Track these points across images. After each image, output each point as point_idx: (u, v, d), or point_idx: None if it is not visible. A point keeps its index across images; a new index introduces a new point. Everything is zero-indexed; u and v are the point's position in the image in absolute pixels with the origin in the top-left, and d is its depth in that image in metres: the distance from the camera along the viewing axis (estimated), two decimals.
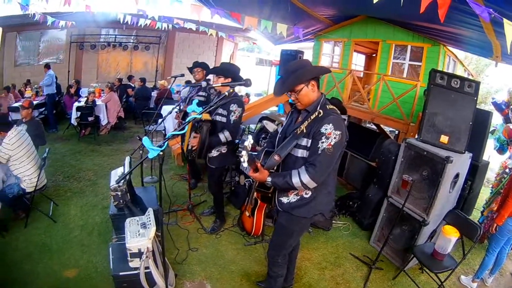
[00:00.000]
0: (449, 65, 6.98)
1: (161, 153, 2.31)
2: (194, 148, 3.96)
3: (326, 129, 2.42)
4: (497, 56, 5.23)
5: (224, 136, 4.04)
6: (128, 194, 2.78)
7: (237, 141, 4.86)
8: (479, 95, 4.01)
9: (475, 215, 5.73)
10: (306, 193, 2.69)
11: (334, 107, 2.60)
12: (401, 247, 4.47)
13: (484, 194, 6.32)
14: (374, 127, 8.88)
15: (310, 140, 2.51)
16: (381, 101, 6.52)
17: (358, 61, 10.11)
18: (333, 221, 5.40)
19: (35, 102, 9.12)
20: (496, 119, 5.80)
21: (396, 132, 8.20)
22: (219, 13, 6.22)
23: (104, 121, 9.51)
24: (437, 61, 6.12)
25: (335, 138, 2.42)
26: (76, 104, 9.16)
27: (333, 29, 8.13)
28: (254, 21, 6.32)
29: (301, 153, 2.57)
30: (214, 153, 4.29)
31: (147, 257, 2.79)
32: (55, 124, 9.70)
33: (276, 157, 2.58)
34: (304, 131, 2.53)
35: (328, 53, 8.86)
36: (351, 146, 6.84)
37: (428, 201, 4.05)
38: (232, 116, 4.04)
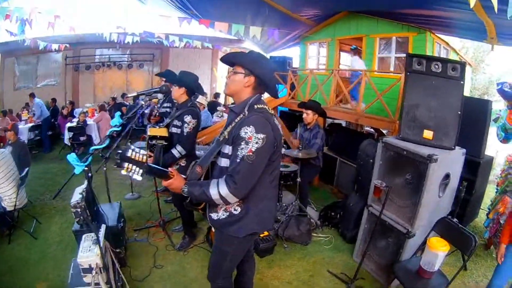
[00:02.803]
0: (440, 53, 6.25)
1: (86, 168, 2.24)
2: None
3: (245, 132, 1.99)
4: (492, 37, 4.58)
5: (177, 151, 3.75)
6: (87, 210, 2.73)
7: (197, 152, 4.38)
8: (480, 86, 3.24)
9: (482, 217, 4.95)
10: (235, 209, 2.20)
11: (265, 107, 2.16)
12: (386, 262, 3.66)
13: (492, 193, 5.45)
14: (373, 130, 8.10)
15: (231, 147, 2.08)
16: (366, 99, 5.76)
17: (348, 62, 9.27)
18: (314, 234, 4.66)
19: (31, 125, 9.31)
20: (497, 106, 5.03)
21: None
22: (188, 21, 5.71)
23: (96, 140, 9.30)
24: (425, 50, 5.44)
25: (257, 143, 1.97)
26: (68, 124, 9.15)
27: (316, 30, 7.65)
28: (225, 26, 5.82)
29: (224, 162, 2.14)
30: (174, 167, 3.81)
31: (96, 273, 2.65)
32: (49, 145, 9.64)
33: (198, 169, 2.23)
34: (227, 137, 2.13)
35: (314, 55, 8.26)
36: (339, 151, 6.37)
37: (413, 209, 3.28)
38: (186, 128, 3.73)
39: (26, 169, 4.85)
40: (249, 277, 2.90)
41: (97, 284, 2.68)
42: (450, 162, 3.27)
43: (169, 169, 2.11)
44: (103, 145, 2.50)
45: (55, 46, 10.05)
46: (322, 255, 4.26)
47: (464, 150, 3.41)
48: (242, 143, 1.96)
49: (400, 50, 5.99)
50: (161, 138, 3.61)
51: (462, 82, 3.15)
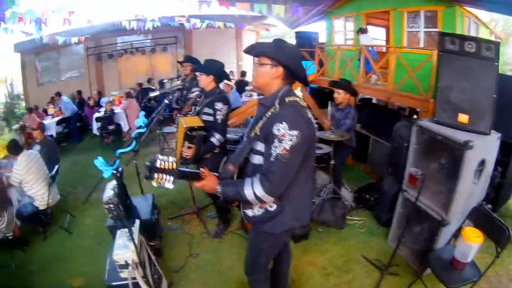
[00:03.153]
0: (470, 29, 5.87)
1: (115, 171, 2.16)
2: (188, 158, 3.69)
3: (278, 129, 1.85)
4: None
5: (216, 139, 3.77)
6: (119, 206, 2.68)
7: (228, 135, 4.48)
8: (511, 61, 3.04)
9: None
10: (270, 206, 2.12)
11: (297, 99, 2.02)
12: (420, 248, 3.61)
13: None
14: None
15: (264, 145, 1.98)
16: (397, 76, 5.51)
17: (378, 35, 8.97)
18: (348, 217, 4.63)
19: (58, 118, 9.55)
20: None
21: None
22: (207, 4, 5.60)
23: (125, 128, 9.42)
24: (454, 24, 5.15)
25: (291, 140, 1.84)
26: (96, 114, 9.24)
27: (340, 5, 7.33)
28: (246, 5, 5.68)
29: (257, 159, 2.05)
30: (207, 155, 3.90)
31: (132, 268, 2.70)
32: (79, 136, 9.89)
33: (230, 167, 2.15)
34: (258, 133, 2.01)
35: (340, 30, 7.97)
36: (371, 129, 6.18)
37: (448, 195, 3.17)
38: (219, 115, 3.73)
39: (56, 167, 4.90)
40: (285, 267, 2.94)
41: (133, 278, 2.74)
42: (485, 147, 3.11)
43: (201, 169, 2.04)
44: (130, 148, 2.49)
45: (74, 39, 10.21)
46: (356, 239, 4.25)
47: (499, 135, 3.22)
48: (275, 140, 1.86)
49: (429, 25, 5.68)
50: (199, 128, 3.58)
51: (496, 64, 2.95)
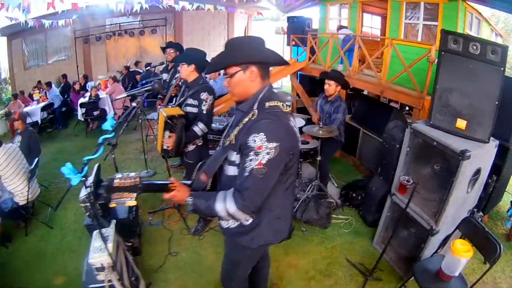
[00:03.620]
0: (472, 24, 5.61)
1: (83, 178, 2.05)
2: (170, 148, 3.59)
3: (254, 140, 1.66)
4: None
5: (200, 128, 3.63)
6: (97, 205, 2.50)
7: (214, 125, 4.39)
8: (509, 61, 2.85)
9: (506, 201, 4.61)
10: (246, 219, 1.94)
11: (279, 104, 1.80)
12: (407, 254, 3.46)
13: None
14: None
15: (239, 155, 1.78)
16: (391, 69, 5.27)
17: (373, 24, 8.67)
18: (334, 216, 4.47)
19: (43, 104, 9.25)
20: None
21: None
22: None
23: (110, 113, 9.13)
24: (456, 19, 4.86)
25: (268, 153, 1.65)
26: (81, 100, 9.01)
27: None
28: None
29: (232, 171, 1.84)
30: (190, 147, 3.84)
31: (108, 271, 2.60)
32: (64, 122, 9.68)
33: (203, 177, 1.93)
34: (233, 141, 1.82)
35: (335, 17, 7.68)
36: (362, 122, 5.95)
37: (439, 204, 3.01)
38: (204, 105, 3.60)
39: (36, 160, 4.71)
40: (264, 274, 2.79)
41: (110, 281, 2.64)
42: (482, 156, 2.92)
43: (170, 179, 1.88)
44: (97, 155, 2.34)
45: (61, 22, 9.96)
46: (341, 239, 4.10)
47: (497, 142, 3.04)
48: (250, 153, 1.66)
49: (428, 18, 5.40)
50: (180, 116, 3.43)
51: (502, 69, 2.73)
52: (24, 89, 10.86)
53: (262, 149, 1.64)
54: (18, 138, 5.27)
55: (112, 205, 1.78)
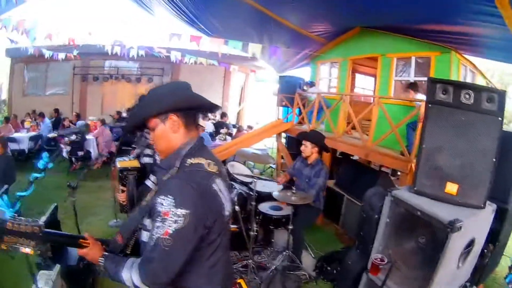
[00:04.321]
0: (466, 78, 5.35)
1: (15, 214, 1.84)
2: (124, 203, 3.27)
3: (162, 203, 1.36)
4: None
5: (151, 181, 3.25)
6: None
7: None
8: (507, 114, 2.33)
9: (504, 265, 3.97)
10: None
11: (202, 162, 1.52)
12: None
13: None
14: None
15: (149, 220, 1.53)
16: (378, 131, 4.82)
17: (366, 85, 8.52)
18: None
19: (32, 134, 9.15)
20: None
21: None
22: (178, 36, 5.13)
23: (94, 155, 8.90)
24: (449, 73, 4.58)
25: (175, 222, 1.34)
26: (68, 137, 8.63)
27: (327, 49, 6.86)
28: (220, 41, 5.17)
29: (145, 236, 1.55)
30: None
31: None
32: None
33: (118, 238, 1.66)
34: (148, 203, 1.60)
35: (325, 77, 7.48)
36: (347, 188, 5.44)
37: (423, 283, 2.39)
38: (158, 156, 3.01)
39: (5, 187, 4.41)
40: None
41: None
42: (476, 224, 2.42)
43: (85, 235, 1.65)
44: (29, 192, 2.34)
45: (61, 56, 10.03)
46: None
47: (494, 207, 2.56)
48: (158, 219, 1.35)
49: (420, 73, 5.11)
50: (133, 169, 3.15)
51: (500, 119, 2.27)
52: (19, 115, 10.83)
53: (169, 216, 1.33)
54: None
55: (3, 247, 1.55)
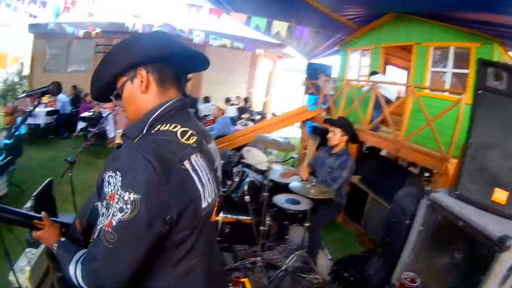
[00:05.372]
0: None
1: None
2: None
3: (109, 182, 0.96)
4: None
5: None
6: None
7: None
8: None
9: None
10: None
11: (174, 129, 1.09)
12: None
13: None
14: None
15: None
16: (411, 125, 4.34)
17: (399, 78, 7.95)
18: None
19: (49, 109, 9.05)
20: None
21: None
22: (196, 8, 4.79)
23: (110, 134, 8.53)
24: None
25: (120, 211, 0.93)
26: (84, 113, 8.67)
27: (358, 35, 6.37)
28: (242, 17, 4.74)
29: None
30: None
31: None
32: (65, 132, 9.53)
33: (77, 221, 1.36)
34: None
35: (355, 65, 7.01)
36: (372, 185, 4.98)
37: None
38: None
39: (7, 159, 4.51)
40: None
41: None
42: None
43: (42, 214, 1.35)
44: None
45: (82, 33, 9.91)
46: None
47: None
48: (103, 203, 0.98)
49: (459, 65, 4.61)
50: None
51: None
52: None
53: (114, 200, 0.94)
54: (3, 134, 5.05)
55: None
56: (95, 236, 1.01)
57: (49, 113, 8.85)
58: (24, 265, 2.30)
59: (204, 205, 1.10)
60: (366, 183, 5.14)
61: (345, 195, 3.82)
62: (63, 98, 9.89)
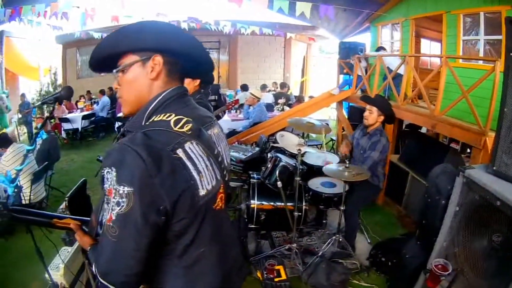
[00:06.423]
0: None
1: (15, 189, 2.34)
2: None
3: (106, 178, 0.97)
4: None
5: None
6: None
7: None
8: None
9: None
10: None
11: (168, 118, 1.08)
12: None
13: None
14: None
15: None
16: (446, 99, 4.05)
17: (432, 51, 7.43)
18: (356, 281, 3.33)
19: (85, 113, 9.41)
20: None
21: None
22: None
23: None
24: None
25: (118, 205, 0.94)
26: (120, 113, 8.87)
27: (387, 8, 6.05)
28: (264, 1, 4.64)
29: None
30: None
31: None
32: (103, 132, 9.94)
33: (93, 217, 1.34)
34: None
35: (387, 40, 6.72)
36: (412, 164, 4.73)
37: None
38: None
39: (44, 164, 4.65)
40: None
41: None
42: None
43: (71, 224, 1.40)
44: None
45: None
46: None
47: None
48: (104, 199, 1.00)
49: (490, 31, 4.23)
50: None
51: None
52: (74, 97, 11.04)
53: (112, 195, 0.95)
54: (39, 141, 5.41)
55: None
56: (101, 231, 1.05)
57: (85, 117, 9.16)
58: (59, 263, 2.38)
59: (202, 192, 1.07)
60: (405, 162, 4.90)
61: (382, 176, 3.71)
62: (105, 99, 10.24)
